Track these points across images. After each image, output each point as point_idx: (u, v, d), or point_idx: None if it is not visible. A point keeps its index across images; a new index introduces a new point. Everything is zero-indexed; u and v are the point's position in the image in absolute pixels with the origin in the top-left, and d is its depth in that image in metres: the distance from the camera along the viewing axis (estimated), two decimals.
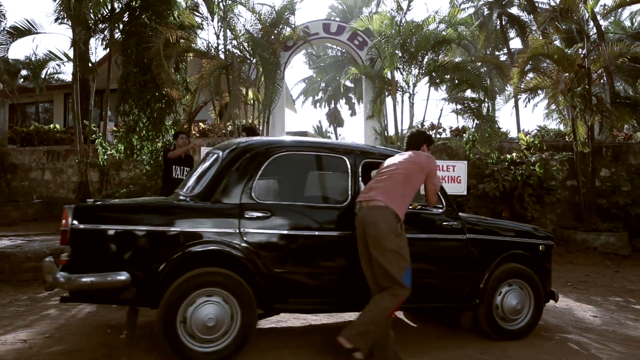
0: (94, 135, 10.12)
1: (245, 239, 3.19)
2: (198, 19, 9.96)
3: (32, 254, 5.72)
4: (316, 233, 3.37)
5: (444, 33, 10.01)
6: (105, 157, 9.99)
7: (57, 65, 15.18)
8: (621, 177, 9.36)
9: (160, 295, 3.02)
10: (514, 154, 9.00)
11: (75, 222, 2.96)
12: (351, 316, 4.40)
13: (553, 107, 9.29)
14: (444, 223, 3.68)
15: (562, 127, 12.70)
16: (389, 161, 3.51)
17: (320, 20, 12.40)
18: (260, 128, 10.48)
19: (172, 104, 9.28)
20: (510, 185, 8.20)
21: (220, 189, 3.25)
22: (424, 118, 13.93)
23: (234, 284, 3.11)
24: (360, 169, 3.58)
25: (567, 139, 10.32)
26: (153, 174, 9.35)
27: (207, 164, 3.63)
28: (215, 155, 3.54)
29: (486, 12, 16.97)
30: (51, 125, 13.62)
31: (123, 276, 2.94)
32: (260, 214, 3.24)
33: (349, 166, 3.53)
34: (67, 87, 14.37)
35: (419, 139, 3.66)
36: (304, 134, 14.31)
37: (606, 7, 10.54)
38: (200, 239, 3.12)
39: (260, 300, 3.22)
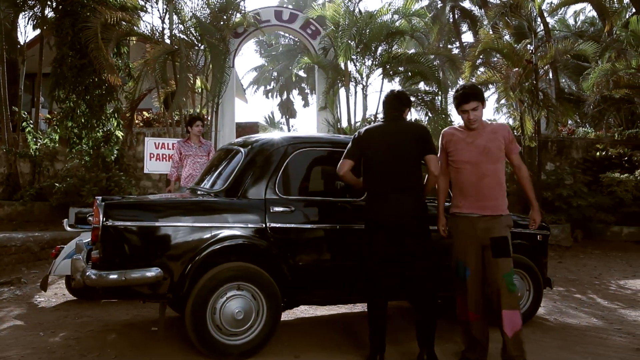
0: (24, 123, 9.38)
1: (271, 233, 3.28)
2: (141, 1, 9.37)
3: None
4: (337, 226, 3.48)
5: (397, 24, 9.98)
6: (38, 146, 9.33)
7: None
8: (565, 170, 9.70)
9: (189, 290, 3.09)
10: None
11: (106, 219, 2.96)
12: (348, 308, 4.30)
13: (503, 101, 9.50)
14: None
15: (511, 122, 13.07)
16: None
17: (272, 7, 12.04)
18: (209, 118, 10.07)
19: (113, 91, 8.82)
20: None
21: (246, 185, 3.35)
22: (377, 110, 13.91)
23: (261, 277, 3.22)
24: None
25: (515, 133, 10.57)
26: (93, 165, 8.83)
27: (227, 160, 3.72)
28: (236, 152, 3.64)
29: (439, 4, 17.16)
30: None
31: (155, 271, 2.98)
32: (284, 209, 3.34)
33: None
34: None
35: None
36: (255, 125, 13.93)
37: (552, 4, 10.88)
38: (229, 233, 3.19)
39: (285, 293, 3.32)
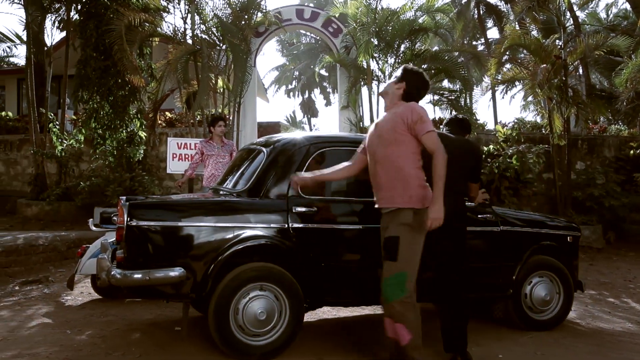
0: (50, 124, 9.54)
1: (293, 233, 3.25)
2: (163, 2, 9.43)
3: None
4: (361, 227, 3.43)
5: (420, 21, 9.82)
6: (64, 147, 9.47)
7: (8, 47, 14.24)
8: (596, 169, 9.37)
9: (212, 291, 3.09)
10: (491, 146, 8.90)
11: (130, 219, 2.98)
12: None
13: (530, 98, 9.24)
14: (479, 215, 3.75)
15: (539, 119, 12.73)
16: None
17: (293, 5, 12.02)
18: (230, 118, 10.08)
19: (136, 92, 8.86)
20: (487, 178, 8.07)
21: (268, 185, 3.32)
22: None
23: (283, 278, 3.19)
24: None
25: (543, 132, 10.28)
26: (117, 166, 8.91)
27: (249, 160, 3.71)
28: (258, 151, 3.62)
29: (464, 0, 16.84)
30: (3, 113, 12.74)
31: (179, 271, 2.99)
32: (307, 209, 3.31)
33: None
34: (21, 72, 13.50)
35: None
36: (277, 124, 13.92)
37: None
38: (252, 233, 3.18)
39: (307, 294, 3.29)
